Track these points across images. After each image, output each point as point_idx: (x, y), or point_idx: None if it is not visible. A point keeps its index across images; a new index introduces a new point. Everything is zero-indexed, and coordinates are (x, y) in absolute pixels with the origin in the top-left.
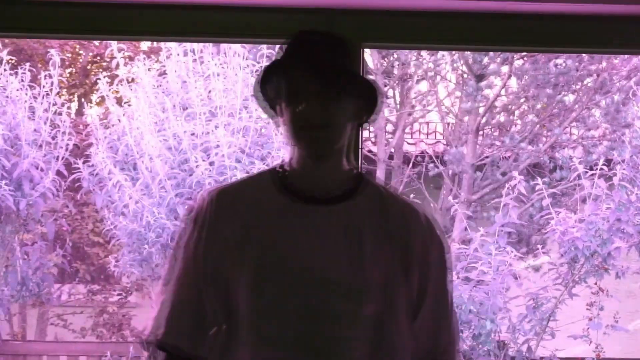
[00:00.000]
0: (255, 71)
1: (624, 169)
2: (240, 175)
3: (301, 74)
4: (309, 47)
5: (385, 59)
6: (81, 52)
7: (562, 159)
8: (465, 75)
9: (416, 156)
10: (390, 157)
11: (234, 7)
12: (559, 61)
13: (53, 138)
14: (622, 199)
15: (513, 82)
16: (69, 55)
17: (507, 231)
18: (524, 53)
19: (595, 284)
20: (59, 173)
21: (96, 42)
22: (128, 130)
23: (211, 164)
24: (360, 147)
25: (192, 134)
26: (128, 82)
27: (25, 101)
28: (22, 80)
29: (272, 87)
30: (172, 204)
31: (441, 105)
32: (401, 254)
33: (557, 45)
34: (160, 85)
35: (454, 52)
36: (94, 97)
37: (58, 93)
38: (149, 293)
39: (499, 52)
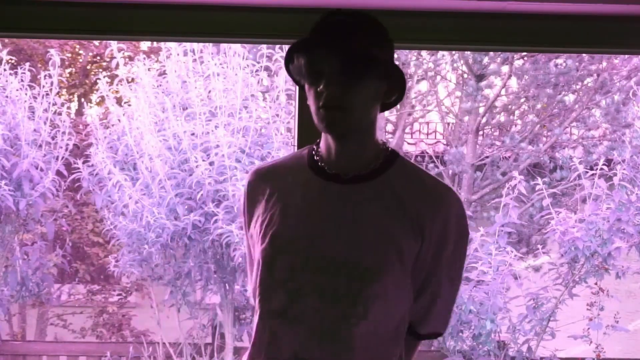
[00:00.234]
0: (256, 71)
1: (624, 169)
2: (239, 175)
3: (323, 54)
4: (333, 28)
5: None
6: (81, 52)
7: (563, 159)
8: (465, 75)
9: (416, 156)
10: None
11: (234, 7)
12: (559, 61)
13: (53, 138)
14: (622, 199)
15: (513, 82)
16: (69, 55)
17: (507, 231)
18: (524, 53)
19: (596, 284)
20: (58, 173)
21: (96, 42)
22: (128, 130)
23: (211, 164)
24: None
25: (192, 134)
26: (128, 82)
27: (25, 101)
28: (22, 80)
29: (295, 66)
30: (172, 204)
31: (441, 105)
32: (415, 234)
33: (557, 45)
34: (160, 85)
35: (454, 52)
36: (94, 97)
37: (58, 93)
38: (149, 293)
39: (499, 52)
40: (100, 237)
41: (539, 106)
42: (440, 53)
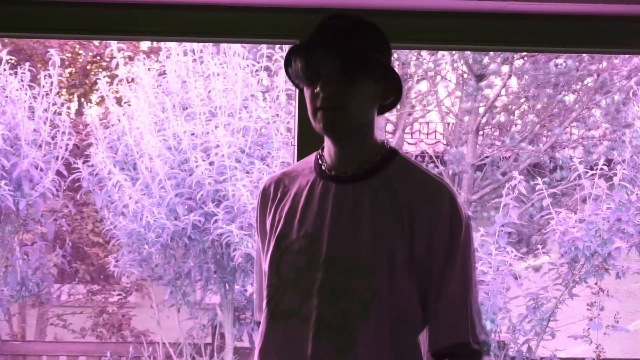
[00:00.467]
0: (256, 71)
1: (624, 169)
2: (239, 175)
3: (320, 56)
4: (331, 31)
5: None
6: (81, 52)
7: (563, 159)
8: (465, 75)
9: (416, 156)
10: None
11: (234, 7)
12: (559, 61)
13: (53, 138)
14: (623, 199)
15: (513, 82)
16: (69, 55)
17: (507, 231)
18: (524, 53)
19: (596, 284)
20: (58, 173)
21: (96, 42)
22: (128, 130)
23: (211, 164)
24: None
25: (192, 134)
26: (128, 82)
27: (25, 101)
28: (22, 80)
29: (293, 69)
30: (172, 204)
31: (441, 105)
32: (410, 229)
33: (557, 45)
34: (160, 85)
35: (454, 52)
36: (94, 97)
37: (58, 93)
38: (149, 293)
39: (499, 52)
40: (100, 237)
41: (539, 106)
42: (440, 53)
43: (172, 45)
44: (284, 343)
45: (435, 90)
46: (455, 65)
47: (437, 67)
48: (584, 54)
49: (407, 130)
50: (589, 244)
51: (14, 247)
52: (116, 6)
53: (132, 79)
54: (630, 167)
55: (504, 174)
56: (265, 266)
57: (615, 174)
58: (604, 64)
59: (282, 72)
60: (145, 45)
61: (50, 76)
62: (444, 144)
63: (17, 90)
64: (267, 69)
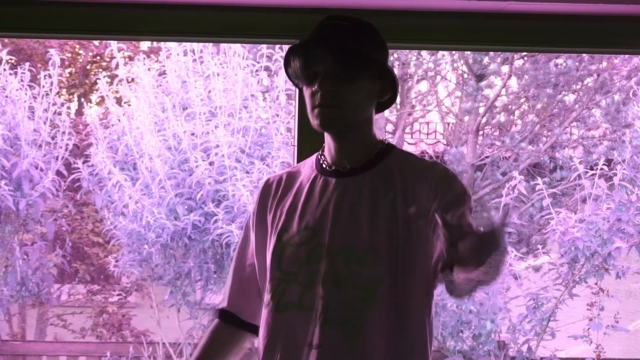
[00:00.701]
0: (256, 71)
1: (624, 169)
2: (239, 175)
3: (318, 55)
4: (328, 31)
5: None
6: (81, 52)
7: (563, 159)
8: (465, 75)
9: None
10: None
11: (234, 7)
12: (559, 61)
13: (53, 138)
14: (623, 199)
15: (513, 82)
16: (69, 55)
17: (507, 231)
18: (524, 53)
19: (596, 284)
20: (58, 173)
21: (96, 42)
22: (128, 130)
23: (211, 163)
24: None
25: (192, 134)
26: (128, 82)
27: (25, 101)
28: (22, 80)
29: (292, 69)
30: (171, 204)
31: (441, 105)
32: (408, 209)
33: (557, 45)
34: (160, 85)
35: (454, 52)
36: (94, 97)
37: (58, 93)
38: (149, 293)
39: (499, 52)
40: (100, 237)
41: (539, 106)
42: (441, 53)
43: (172, 45)
44: (289, 334)
45: (435, 90)
46: (455, 65)
47: (437, 67)
48: (584, 54)
49: (407, 130)
50: (589, 244)
51: (14, 247)
52: (116, 6)
53: (132, 79)
54: (630, 167)
55: (504, 174)
56: (269, 261)
57: (615, 174)
58: (604, 64)
59: (282, 72)
60: (145, 45)
61: (50, 76)
62: (444, 144)
63: (17, 90)
64: (267, 69)
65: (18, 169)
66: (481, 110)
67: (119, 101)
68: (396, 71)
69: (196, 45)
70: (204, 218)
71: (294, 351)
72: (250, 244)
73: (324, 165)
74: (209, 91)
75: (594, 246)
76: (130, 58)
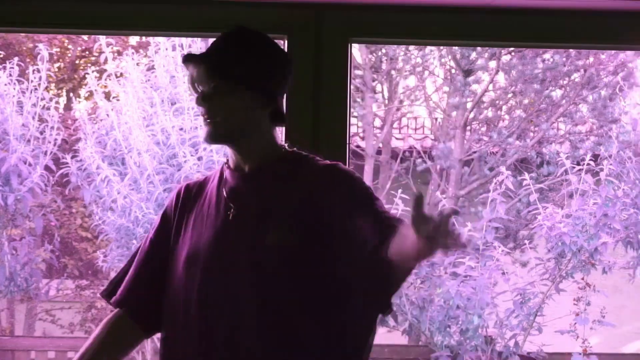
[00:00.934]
0: None
1: (610, 165)
2: None
3: (195, 74)
4: (209, 48)
5: (374, 54)
6: (70, 46)
7: (550, 154)
8: (453, 71)
9: (404, 151)
10: (378, 152)
11: (222, 2)
12: (547, 56)
13: (41, 133)
14: (609, 195)
15: (501, 77)
16: (58, 49)
17: (494, 226)
18: (512, 48)
19: (582, 279)
20: (47, 168)
21: (85, 37)
22: (116, 125)
23: (199, 159)
24: (348, 142)
25: (181, 129)
26: (116, 77)
27: (14, 96)
28: (10, 75)
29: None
30: (160, 199)
31: (429, 100)
32: (309, 211)
33: (544, 41)
34: (149, 80)
35: (441, 47)
36: (83, 92)
37: (46, 88)
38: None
39: (487, 48)
40: (89, 232)
41: (526, 101)
42: (428, 48)
43: (160, 40)
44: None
45: (423, 85)
46: (443, 60)
47: (425, 63)
48: (570, 50)
49: (395, 125)
50: (576, 239)
51: (3, 243)
52: (105, 0)
53: (121, 74)
54: (617, 162)
55: (491, 169)
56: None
57: (602, 169)
58: (591, 59)
59: None
60: (134, 40)
61: (38, 71)
62: (432, 139)
63: (5, 85)
64: None
65: (6, 164)
66: (469, 105)
67: (107, 96)
68: (384, 66)
69: (185, 40)
70: None
71: None
72: None
73: (224, 174)
74: None
75: (581, 241)
76: (119, 53)
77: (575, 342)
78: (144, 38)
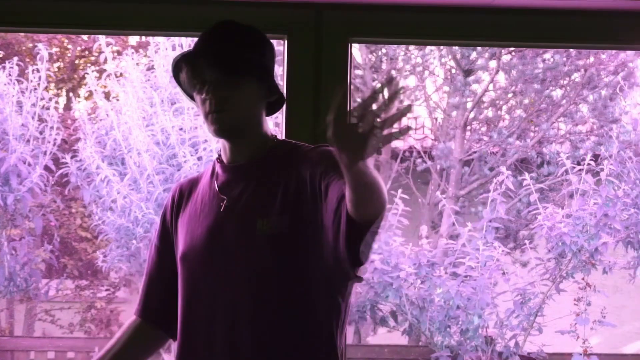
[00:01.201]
0: None
1: (611, 164)
2: None
3: (202, 63)
4: (212, 39)
5: (374, 54)
6: (69, 46)
7: (550, 154)
8: (453, 70)
9: (404, 151)
10: (379, 152)
11: (222, 2)
12: (547, 56)
13: (41, 133)
14: (609, 194)
15: (501, 77)
16: (57, 49)
17: (494, 226)
18: (512, 48)
19: (583, 279)
20: (46, 168)
21: (84, 37)
22: (116, 124)
23: (199, 158)
24: None
25: (180, 129)
26: (116, 77)
27: (13, 96)
28: (10, 75)
29: (182, 79)
30: (160, 199)
31: (429, 100)
32: (293, 198)
33: (544, 41)
34: (149, 80)
35: (442, 47)
36: (82, 92)
37: (46, 87)
38: (137, 288)
39: (487, 47)
40: (89, 232)
41: (526, 101)
42: (429, 48)
43: (160, 39)
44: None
45: (423, 85)
46: (443, 60)
47: (425, 62)
48: (571, 49)
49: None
50: (576, 239)
51: (2, 243)
52: (105, 0)
53: (121, 74)
54: (617, 162)
55: (491, 169)
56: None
57: (602, 169)
58: (591, 59)
59: None
60: (133, 39)
61: (38, 71)
62: (432, 139)
63: (5, 84)
64: None
65: (6, 164)
66: (469, 105)
67: (107, 96)
68: (384, 66)
69: (184, 40)
70: None
71: None
72: None
73: (215, 167)
74: None
75: (581, 241)
76: (119, 53)
77: (575, 342)
78: (143, 38)
